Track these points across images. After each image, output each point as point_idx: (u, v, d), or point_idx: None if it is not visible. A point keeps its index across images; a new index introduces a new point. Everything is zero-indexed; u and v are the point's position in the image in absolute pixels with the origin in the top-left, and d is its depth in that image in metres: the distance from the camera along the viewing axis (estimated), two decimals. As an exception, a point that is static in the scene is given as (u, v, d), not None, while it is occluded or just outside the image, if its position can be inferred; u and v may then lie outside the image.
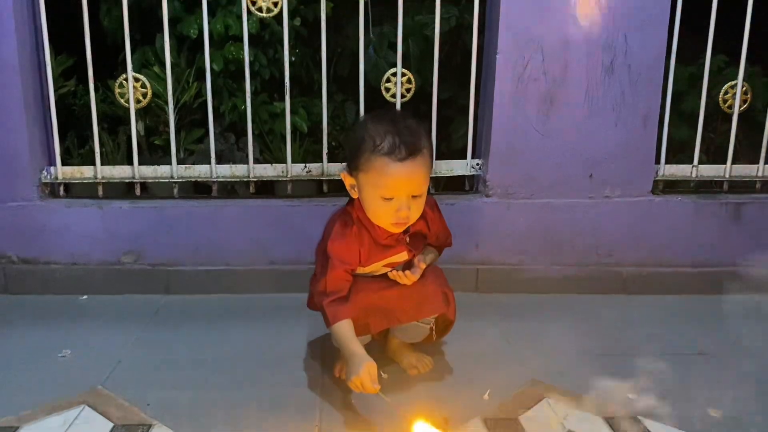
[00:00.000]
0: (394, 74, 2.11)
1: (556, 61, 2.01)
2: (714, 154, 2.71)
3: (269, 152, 3.07)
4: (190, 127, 3.02)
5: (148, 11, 2.85)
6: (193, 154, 3.00)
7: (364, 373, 1.31)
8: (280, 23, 2.08)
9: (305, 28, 2.90)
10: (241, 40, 2.51)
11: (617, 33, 2.00)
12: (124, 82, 2.09)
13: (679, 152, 2.60)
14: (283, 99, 2.50)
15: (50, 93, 2.05)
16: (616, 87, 2.03)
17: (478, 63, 2.11)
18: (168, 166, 2.13)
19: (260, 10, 2.05)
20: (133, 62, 2.38)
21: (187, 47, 2.91)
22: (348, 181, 1.43)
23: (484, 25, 2.13)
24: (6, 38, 1.93)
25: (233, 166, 2.17)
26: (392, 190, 1.36)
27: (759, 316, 1.99)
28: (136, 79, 2.10)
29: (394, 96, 2.12)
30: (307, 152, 3.02)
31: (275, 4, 2.05)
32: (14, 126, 2.00)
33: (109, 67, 2.77)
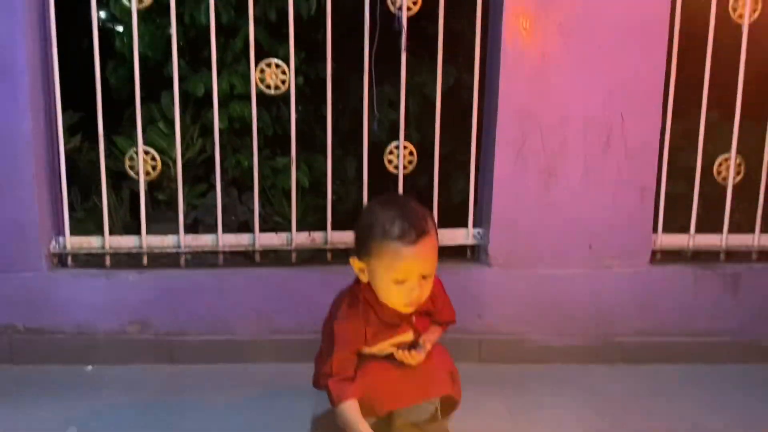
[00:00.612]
0: (396, 147, 2.18)
1: (555, 136, 2.08)
2: (711, 210, 2.74)
3: (271, 206, 3.14)
4: (193, 181, 3.09)
5: (154, 68, 2.94)
6: (196, 208, 3.07)
7: None
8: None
9: (307, 86, 2.99)
10: (245, 98, 2.61)
11: (614, 110, 2.07)
12: (135, 155, 2.14)
13: (675, 205, 2.63)
14: (285, 154, 2.58)
15: (61, 165, 2.10)
16: (612, 162, 2.09)
17: (479, 130, 2.17)
18: (175, 236, 2.17)
19: (269, 87, 2.12)
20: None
21: (192, 104, 3.00)
22: (357, 266, 1.47)
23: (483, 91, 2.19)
24: (22, 111, 1.98)
25: (239, 235, 2.21)
26: (405, 273, 1.40)
27: (758, 387, 2.01)
28: (146, 152, 2.15)
29: (396, 168, 2.18)
30: (309, 207, 3.08)
31: (283, 82, 2.12)
32: (25, 196, 2.04)
33: (114, 121, 2.83)
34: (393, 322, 1.51)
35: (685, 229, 2.22)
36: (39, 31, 2.04)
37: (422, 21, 2.19)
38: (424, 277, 1.43)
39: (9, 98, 1.96)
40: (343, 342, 1.48)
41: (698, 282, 2.17)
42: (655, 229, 2.20)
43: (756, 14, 2.10)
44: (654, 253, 2.20)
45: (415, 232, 1.39)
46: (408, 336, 1.55)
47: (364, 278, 1.47)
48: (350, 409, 1.43)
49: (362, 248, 1.45)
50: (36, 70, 2.02)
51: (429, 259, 1.43)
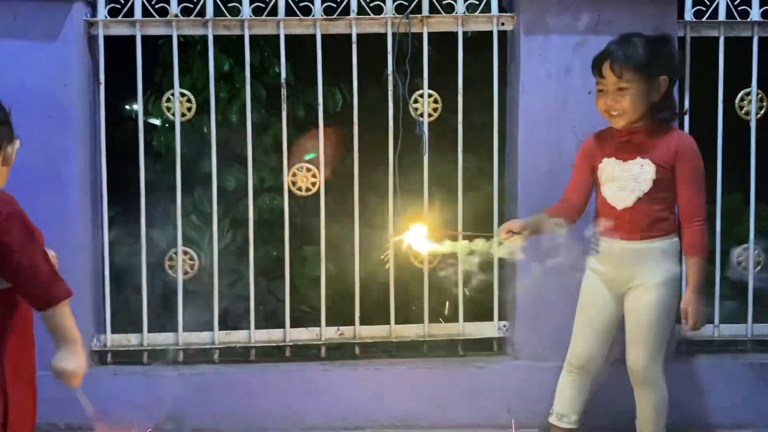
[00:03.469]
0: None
1: (575, 230, 2.14)
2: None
3: (298, 294, 3.22)
4: (223, 272, 3.20)
5: (188, 164, 3.12)
6: (225, 298, 3.17)
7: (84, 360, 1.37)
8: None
9: (334, 177, 3.13)
10: (274, 190, 2.76)
11: (629, 205, 2.15)
12: (174, 255, 2.26)
13: (704, 290, 2.64)
14: (312, 244, 2.72)
15: (105, 266, 2.23)
16: (632, 254, 2.15)
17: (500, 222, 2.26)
18: (209, 332, 2.25)
19: (300, 189, 2.26)
20: (172, 212, 2.59)
21: (224, 197, 3.16)
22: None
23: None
24: (73, 220, 2.15)
25: (270, 331, 2.29)
26: None
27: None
28: (185, 252, 2.27)
29: (421, 262, 2.27)
30: (336, 294, 3.16)
31: (313, 184, 2.26)
32: (74, 299, 2.15)
33: (148, 215, 2.99)
34: None
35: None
36: (90, 142, 2.23)
37: (445, 113, 2.31)
38: None
39: (61, 208, 2.12)
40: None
41: (725, 373, 2.17)
42: (679, 320, 2.22)
43: (762, 112, 2.21)
44: (679, 343, 2.22)
45: None
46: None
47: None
48: (68, 312, 1.39)
49: None
50: (86, 179, 2.19)
51: None
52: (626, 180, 1.78)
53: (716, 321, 2.26)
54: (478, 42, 2.36)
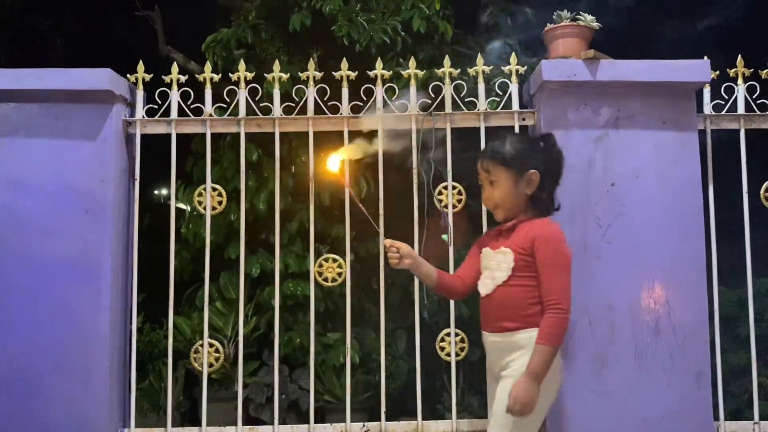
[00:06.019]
0: (448, 334, 2.25)
1: (603, 324, 2.12)
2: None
3: (321, 383, 3.17)
4: (246, 359, 3.19)
5: (214, 251, 3.17)
6: (247, 386, 3.13)
7: None
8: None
9: (358, 262, 3.14)
10: (298, 276, 2.78)
11: (659, 297, 2.12)
12: (200, 347, 2.27)
13: (741, 377, 2.58)
14: (335, 330, 2.69)
15: (132, 361, 2.24)
16: (663, 348, 2.11)
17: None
18: (233, 428, 2.22)
19: (326, 280, 2.27)
20: (198, 298, 2.59)
21: (249, 284, 3.19)
22: None
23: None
24: (103, 312, 2.17)
25: (294, 426, 2.25)
26: None
27: None
28: (210, 345, 2.27)
29: (449, 354, 2.24)
30: (359, 383, 3.11)
31: (339, 275, 2.27)
32: (98, 391, 2.16)
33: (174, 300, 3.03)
34: None
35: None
36: (123, 234, 2.28)
37: (469, 200, 2.33)
38: None
39: (92, 300, 2.16)
40: None
41: (770, 474, 2.07)
42: (716, 417, 2.14)
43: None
44: (718, 442, 2.13)
45: None
46: None
47: None
48: None
49: None
50: (118, 273, 2.23)
51: None
52: (492, 268, 1.78)
53: (756, 418, 2.17)
54: (502, 132, 2.41)
